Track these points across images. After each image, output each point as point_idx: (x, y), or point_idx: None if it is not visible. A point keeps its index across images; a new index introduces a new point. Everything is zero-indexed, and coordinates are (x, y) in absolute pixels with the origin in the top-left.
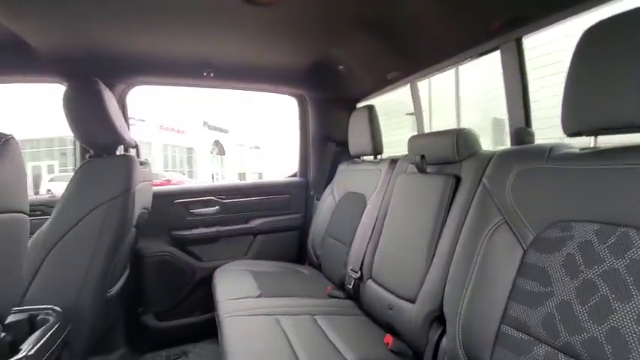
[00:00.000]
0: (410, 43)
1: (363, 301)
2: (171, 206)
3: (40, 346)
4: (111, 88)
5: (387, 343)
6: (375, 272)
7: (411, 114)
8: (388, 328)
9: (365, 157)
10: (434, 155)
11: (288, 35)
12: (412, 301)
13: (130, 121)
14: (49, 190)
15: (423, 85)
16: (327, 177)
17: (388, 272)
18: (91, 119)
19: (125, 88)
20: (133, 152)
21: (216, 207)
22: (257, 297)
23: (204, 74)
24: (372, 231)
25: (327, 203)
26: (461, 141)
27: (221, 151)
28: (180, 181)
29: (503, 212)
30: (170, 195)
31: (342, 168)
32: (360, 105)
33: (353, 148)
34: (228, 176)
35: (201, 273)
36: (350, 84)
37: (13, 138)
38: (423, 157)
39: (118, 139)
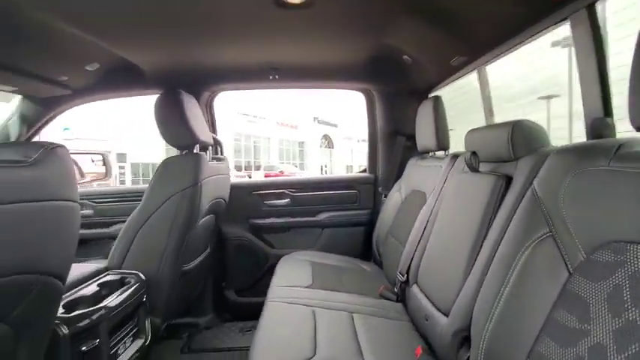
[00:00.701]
0: (469, 24)
1: (409, 306)
2: (249, 197)
3: (120, 300)
4: (198, 96)
5: (416, 355)
6: (420, 277)
7: (547, 97)
8: (425, 339)
9: (437, 153)
10: (487, 152)
11: (342, 31)
12: (446, 314)
13: (251, 118)
14: None
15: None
16: (397, 173)
17: (430, 279)
18: (172, 123)
19: (210, 95)
20: (210, 150)
21: (287, 199)
22: (306, 287)
23: (270, 77)
24: (422, 233)
25: (393, 200)
26: (517, 136)
27: (330, 145)
28: (292, 172)
29: (551, 223)
30: (248, 187)
31: (412, 163)
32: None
33: (419, 143)
34: (336, 168)
35: (273, 259)
36: (416, 74)
37: (60, 146)
38: (474, 154)
39: (194, 139)
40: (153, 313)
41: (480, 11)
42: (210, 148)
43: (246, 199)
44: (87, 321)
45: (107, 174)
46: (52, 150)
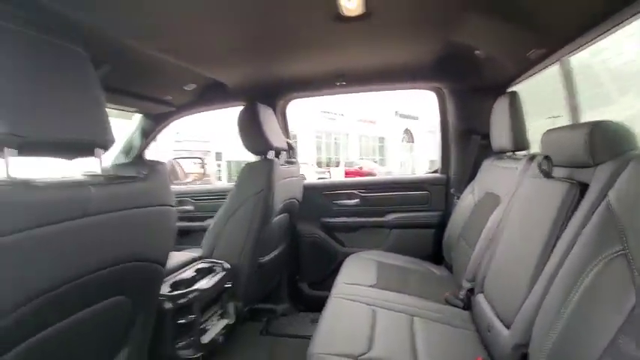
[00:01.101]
0: (546, 13)
1: (474, 314)
2: (320, 197)
3: (210, 285)
4: (274, 104)
5: None
6: (486, 285)
7: None
8: (487, 350)
9: (517, 153)
10: (563, 156)
11: (405, 35)
12: (508, 326)
13: (330, 116)
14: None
15: None
16: (470, 174)
17: (496, 288)
18: (250, 133)
19: (283, 103)
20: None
21: (357, 200)
22: (369, 286)
23: (338, 84)
24: (492, 239)
25: (466, 202)
26: (597, 138)
27: (410, 139)
28: (372, 168)
29: (625, 240)
30: (320, 188)
31: (487, 164)
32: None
33: (494, 142)
34: (417, 164)
35: (342, 256)
36: (489, 69)
37: (161, 164)
38: (546, 158)
39: (268, 146)
40: (235, 297)
41: None
42: (283, 152)
43: (318, 200)
44: (185, 299)
45: (204, 174)
46: (156, 167)
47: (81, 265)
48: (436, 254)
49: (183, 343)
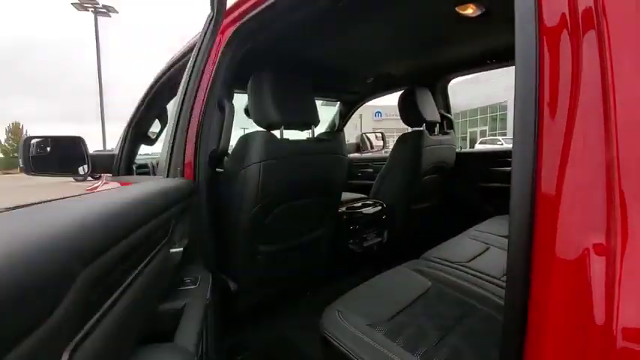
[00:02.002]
0: None
1: None
2: (475, 163)
3: (371, 212)
4: (433, 85)
5: None
6: None
7: None
8: None
9: None
10: None
11: None
12: None
13: None
14: None
15: None
16: None
17: None
18: (407, 109)
19: (443, 84)
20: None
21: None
22: (500, 236)
23: (488, 62)
24: None
25: None
26: None
27: None
28: None
29: None
30: (477, 156)
31: None
32: None
33: None
34: None
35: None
36: None
37: (341, 131)
38: None
39: (420, 120)
40: (390, 229)
41: None
42: (439, 124)
43: (473, 166)
44: (354, 216)
45: (383, 146)
46: (337, 133)
47: (305, 177)
48: None
49: (352, 241)
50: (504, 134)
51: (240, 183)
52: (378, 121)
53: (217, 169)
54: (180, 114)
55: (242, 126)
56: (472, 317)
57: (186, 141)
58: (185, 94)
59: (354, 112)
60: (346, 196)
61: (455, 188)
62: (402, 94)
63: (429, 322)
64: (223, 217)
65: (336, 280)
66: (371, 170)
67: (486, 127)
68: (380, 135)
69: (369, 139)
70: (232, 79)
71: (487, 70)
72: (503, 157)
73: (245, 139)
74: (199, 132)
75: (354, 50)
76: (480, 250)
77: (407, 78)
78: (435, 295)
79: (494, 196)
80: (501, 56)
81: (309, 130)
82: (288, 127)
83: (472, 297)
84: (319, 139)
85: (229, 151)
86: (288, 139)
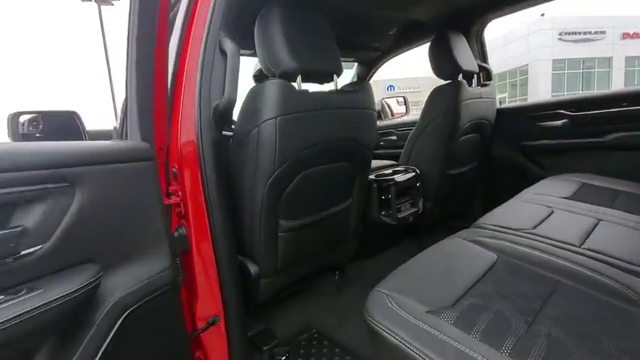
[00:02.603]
0: None
1: None
2: (519, 121)
3: (403, 179)
4: (467, 31)
5: None
6: None
7: None
8: None
9: None
10: None
11: None
12: None
13: (581, 37)
14: None
15: None
16: None
17: None
18: (439, 58)
19: (478, 28)
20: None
21: (565, 120)
22: (560, 197)
23: None
24: None
25: None
26: None
27: None
28: None
29: None
30: (517, 111)
31: None
32: None
33: None
34: None
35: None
36: None
37: (368, 83)
38: None
39: (456, 69)
40: (425, 197)
41: None
42: (477, 75)
43: (515, 123)
44: (385, 184)
45: (407, 111)
46: (363, 85)
47: (329, 135)
48: None
49: (385, 212)
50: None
51: (253, 146)
52: (390, 96)
53: (225, 132)
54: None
55: None
56: (561, 296)
57: (177, 91)
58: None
59: (374, 74)
60: (374, 164)
61: (497, 149)
62: (433, 41)
63: (508, 304)
64: (236, 190)
65: (370, 256)
66: (394, 138)
67: (506, 95)
68: (402, 100)
69: (389, 105)
70: (235, 16)
71: (528, 7)
72: (552, 108)
73: (256, 91)
74: (201, 81)
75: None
76: (545, 214)
77: (435, 24)
78: (505, 270)
79: (543, 156)
80: None
81: (332, 83)
82: (306, 79)
83: (553, 271)
84: (344, 91)
85: (237, 110)
86: (307, 91)
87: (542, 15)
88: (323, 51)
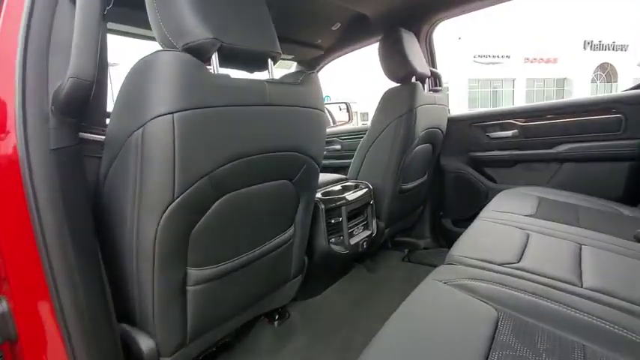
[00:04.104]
0: None
1: None
2: (469, 129)
3: (354, 197)
4: (418, 31)
5: None
6: None
7: None
8: None
9: None
10: None
11: None
12: None
13: (491, 60)
14: None
15: None
16: None
17: None
18: (390, 58)
19: (428, 28)
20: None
21: (514, 130)
22: (526, 215)
23: None
24: None
25: None
26: None
27: (610, 77)
28: None
29: None
30: (468, 119)
31: None
32: None
33: None
34: None
35: (493, 194)
36: None
37: (313, 73)
38: None
39: (410, 71)
40: (378, 216)
41: None
42: (428, 80)
43: (465, 132)
44: (334, 204)
45: (349, 119)
46: (309, 75)
47: (260, 143)
48: (629, 194)
49: (334, 239)
50: None
51: (134, 158)
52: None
53: (84, 134)
54: None
55: None
56: None
57: None
58: None
59: None
60: (319, 178)
61: (446, 160)
62: (385, 40)
63: None
64: (113, 228)
65: (315, 293)
66: (339, 147)
67: None
68: (345, 106)
69: (330, 112)
70: None
71: (479, 8)
72: (502, 118)
73: (140, 68)
74: (25, 46)
75: None
76: (522, 239)
77: (384, 21)
78: (514, 335)
79: (494, 167)
80: None
81: (265, 72)
82: (226, 61)
83: (572, 330)
84: (284, 83)
85: (113, 99)
86: (228, 76)
87: (460, 39)
88: (253, 23)
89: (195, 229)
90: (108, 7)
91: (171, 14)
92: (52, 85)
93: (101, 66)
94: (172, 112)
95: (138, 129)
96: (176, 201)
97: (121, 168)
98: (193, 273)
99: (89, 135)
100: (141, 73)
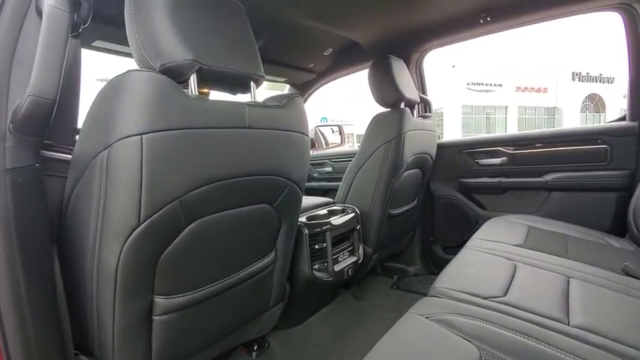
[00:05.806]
0: None
1: None
2: (458, 156)
3: (341, 222)
4: (407, 58)
5: None
6: None
7: None
8: None
9: None
10: None
11: None
12: None
13: (484, 87)
14: None
15: None
16: None
17: None
18: (380, 84)
19: (419, 56)
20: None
21: (503, 158)
22: (514, 245)
23: (481, 21)
24: None
25: None
26: None
27: (599, 107)
28: None
29: None
30: (458, 145)
31: None
32: None
33: None
34: None
35: (483, 221)
36: None
37: (297, 96)
38: None
39: (399, 97)
40: (365, 242)
41: None
42: (418, 106)
43: (455, 158)
44: (319, 229)
45: (342, 141)
46: (292, 99)
47: (238, 167)
48: (617, 224)
49: (318, 266)
50: None
51: (98, 180)
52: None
53: (48, 152)
54: None
55: None
56: None
57: None
58: None
59: (308, 98)
60: (305, 202)
61: (436, 186)
62: (374, 66)
63: None
64: (70, 255)
65: (297, 322)
66: (330, 169)
67: None
68: (337, 129)
69: (322, 134)
70: None
71: (467, 39)
72: (491, 145)
73: (111, 87)
74: None
75: (309, 6)
76: (509, 271)
77: (375, 48)
78: None
79: (483, 194)
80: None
81: (247, 95)
82: (206, 81)
83: None
84: (265, 106)
85: (84, 117)
86: (205, 97)
87: (454, 67)
88: (236, 46)
89: (164, 255)
90: (84, 26)
91: (150, 34)
92: (12, 102)
93: (72, 83)
94: (141, 134)
95: (104, 150)
96: (142, 225)
97: (84, 190)
98: (160, 302)
99: (54, 154)
100: (110, 92)
